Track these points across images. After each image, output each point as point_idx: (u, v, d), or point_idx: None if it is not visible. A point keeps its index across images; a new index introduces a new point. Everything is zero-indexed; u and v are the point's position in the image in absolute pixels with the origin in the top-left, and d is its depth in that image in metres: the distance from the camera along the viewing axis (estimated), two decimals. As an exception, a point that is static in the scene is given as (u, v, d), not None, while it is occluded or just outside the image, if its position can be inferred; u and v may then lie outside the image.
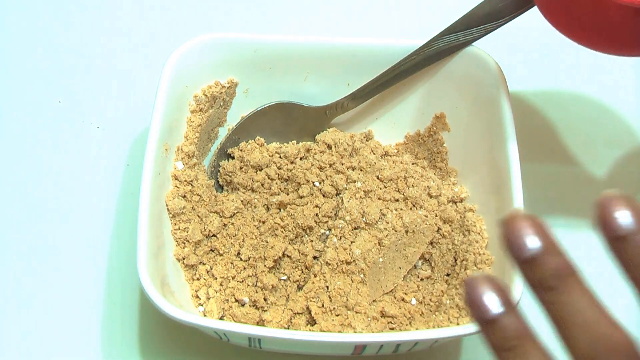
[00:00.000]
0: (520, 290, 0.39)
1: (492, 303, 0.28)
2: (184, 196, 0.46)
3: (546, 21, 0.42)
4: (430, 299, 0.45)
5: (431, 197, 0.47)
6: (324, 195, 0.46)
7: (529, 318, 0.29)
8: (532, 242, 0.27)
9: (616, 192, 0.27)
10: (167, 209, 0.45)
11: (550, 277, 0.27)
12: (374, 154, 0.49)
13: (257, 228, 0.47)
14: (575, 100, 0.56)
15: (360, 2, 0.61)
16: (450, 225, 0.47)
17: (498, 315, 0.28)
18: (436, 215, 0.47)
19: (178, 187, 0.46)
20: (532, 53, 0.58)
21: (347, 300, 0.43)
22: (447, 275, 0.46)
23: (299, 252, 0.46)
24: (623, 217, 0.26)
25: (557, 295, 0.28)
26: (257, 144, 0.50)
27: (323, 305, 0.44)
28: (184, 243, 0.45)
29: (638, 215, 0.26)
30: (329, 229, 0.46)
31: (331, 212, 0.46)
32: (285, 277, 0.46)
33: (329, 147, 0.48)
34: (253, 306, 0.45)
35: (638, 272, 0.27)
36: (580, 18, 0.39)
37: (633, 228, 0.26)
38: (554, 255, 0.28)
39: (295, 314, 0.44)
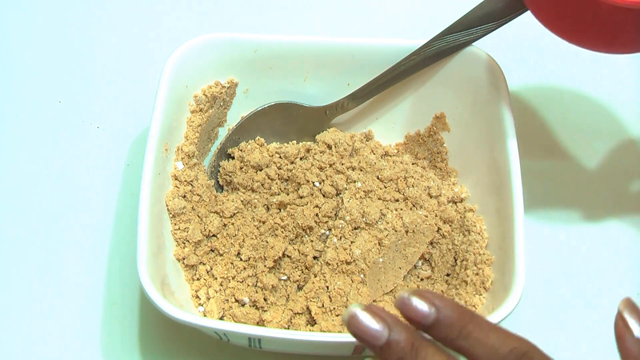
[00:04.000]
0: (521, 290, 0.39)
1: (377, 330, 0.31)
2: (184, 196, 0.46)
3: None
4: (430, 299, 0.45)
5: (431, 197, 0.47)
6: (324, 195, 0.46)
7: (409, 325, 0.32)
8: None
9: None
10: (167, 209, 0.45)
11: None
12: (374, 154, 0.49)
13: (257, 228, 0.47)
14: (575, 100, 0.56)
15: (360, 2, 0.61)
16: (450, 225, 0.47)
17: (387, 337, 0.31)
18: (436, 215, 0.47)
19: (178, 187, 0.46)
20: (532, 53, 0.58)
21: (347, 300, 0.43)
22: (447, 275, 0.46)
23: (299, 252, 0.46)
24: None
25: None
26: (257, 144, 0.50)
27: (323, 305, 0.44)
28: (184, 243, 0.45)
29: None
30: (329, 229, 0.46)
31: (331, 212, 0.46)
32: (285, 277, 0.46)
33: (329, 147, 0.48)
34: (253, 306, 0.45)
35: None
36: (571, 17, 0.39)
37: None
38: (402, 332, 0.31)
39: (295, 314, 0.44)
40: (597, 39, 0.40)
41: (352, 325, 0.31)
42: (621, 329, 0.32)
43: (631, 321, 0.32)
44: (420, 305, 0.31)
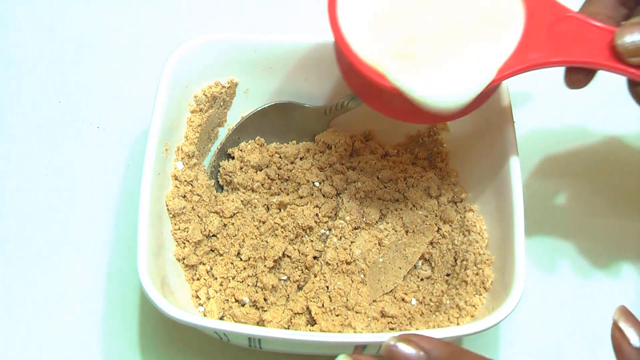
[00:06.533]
0: (521, 289, 0.39)
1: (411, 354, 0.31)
2: (184, 196, 0.46)
3: None
4: (430, 299, 0.45)
5: (431, 197, 0.47)
6: (324, 196, 0.46)
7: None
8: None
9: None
10: (167, 209, 0.45)
11: None
12: (373, 154, 0.49)
13: (257, 228, 0.47)
14: (575, 99, 0.56)
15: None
16: (450, 225, 0.47)
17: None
18: (436, 216, 0.47)
19: (178, 187, 0.46)
20: (532, 53, 0.58)
21: (347, 300, 0.43)
22: (447, 275, 0.46)
23: (299, 252, 0.46)
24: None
25: None
26: (257, 144, 0.50)
27: (323, 305, 0.44)
28: (184, 243, 0.45)
29: None
30: (329, 229, 0.46)
31: (331, 212, 0.46)
32: (285, 277, 0.46)
33: (329, 147, 0.48)
34: (253, 306, 0.45)
35: None
36: (376, 98, 0.42)
37: None
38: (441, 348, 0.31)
39: (295, 314, 0.44)
40: (407, 115, 0.42)
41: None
42: (618, 340, 0.31)
43: (628, 330, 0.31)
44: (408, 350, 0.31)
